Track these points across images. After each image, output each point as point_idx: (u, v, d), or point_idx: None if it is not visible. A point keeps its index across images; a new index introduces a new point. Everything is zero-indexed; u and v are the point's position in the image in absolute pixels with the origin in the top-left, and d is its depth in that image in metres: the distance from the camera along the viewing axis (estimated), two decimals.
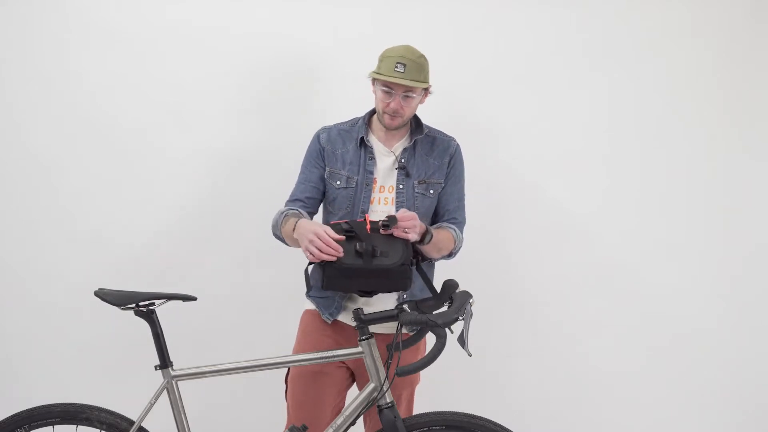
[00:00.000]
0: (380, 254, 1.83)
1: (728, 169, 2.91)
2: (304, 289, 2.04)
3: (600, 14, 2.86)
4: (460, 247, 2.13)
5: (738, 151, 2.91)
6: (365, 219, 1.89)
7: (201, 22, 2.78)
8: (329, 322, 2.08)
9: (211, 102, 2.80)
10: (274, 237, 2.11)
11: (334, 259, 1.80)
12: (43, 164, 2.77)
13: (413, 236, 1.86)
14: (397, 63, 1.97)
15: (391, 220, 1.84)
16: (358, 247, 1.82)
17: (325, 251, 1.79)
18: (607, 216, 2.89)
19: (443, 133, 2.19)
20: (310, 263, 1.94)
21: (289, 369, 2.15)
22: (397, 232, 1.84)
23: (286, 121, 2.78)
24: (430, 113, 2.81)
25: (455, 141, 2.19)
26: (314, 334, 2.11)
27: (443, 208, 2.14)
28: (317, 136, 2.15)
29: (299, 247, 1.92)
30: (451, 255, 2.11)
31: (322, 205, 2.18)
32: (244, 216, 2.79)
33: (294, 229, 1.91)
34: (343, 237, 1.82)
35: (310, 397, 2.07)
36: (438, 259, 2.11)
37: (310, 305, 2.15)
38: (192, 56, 2.78)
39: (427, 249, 1.98)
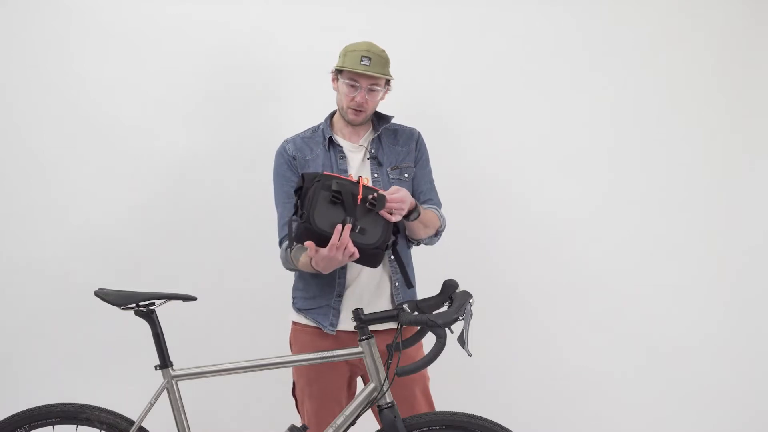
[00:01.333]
0: (358, 231, 1.79)
1: (728, 169, 2.91)
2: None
3: (600, 14, 2.86)
4: (445, 226, 2.13)
5: (738, 151, 2.91)
6: (359, 182, 1.84)
7: (201, 22, 2.78)
8: (333, 333, 2.04)
9: (212, 101, 2.80)
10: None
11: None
12: (44, 164, 2.77)
13: (396, 218, 1.84)
14: (362, 57, 1.98)
15: (379, 202, 1.80)
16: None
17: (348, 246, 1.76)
18: (607, 216, 2.89)
19: (402, 125, 2.20)
20: (293, 216, 1.88)
21: (294, 384, 2.14)
22: (381, 212, 1.82)
23: (288, 120, 2.77)
24: (429, 112, 2.82)
25: (416, 129, 2.21)
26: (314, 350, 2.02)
27: (417, 191, 2.15)
28: (283, 149, 2.12)
29: (325, 271, 1.86)
30: (437, 234, 2.11)
31: None
32: (245, 216, 2.79)
33: (314, 264, 1.85)
34: (349, 226, 1.75)
35: (328, 415, 2.04)
36: (425, 240, 2.11)
37: (301, 319, 2.10)
38: (192, 56, 2.78)
39: (413, 226, 1.98)
